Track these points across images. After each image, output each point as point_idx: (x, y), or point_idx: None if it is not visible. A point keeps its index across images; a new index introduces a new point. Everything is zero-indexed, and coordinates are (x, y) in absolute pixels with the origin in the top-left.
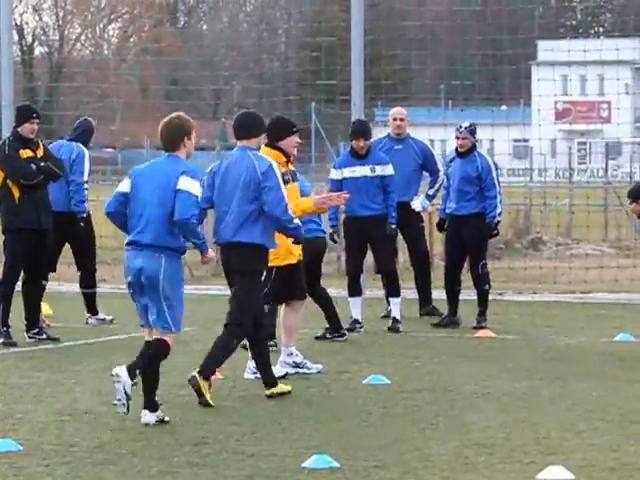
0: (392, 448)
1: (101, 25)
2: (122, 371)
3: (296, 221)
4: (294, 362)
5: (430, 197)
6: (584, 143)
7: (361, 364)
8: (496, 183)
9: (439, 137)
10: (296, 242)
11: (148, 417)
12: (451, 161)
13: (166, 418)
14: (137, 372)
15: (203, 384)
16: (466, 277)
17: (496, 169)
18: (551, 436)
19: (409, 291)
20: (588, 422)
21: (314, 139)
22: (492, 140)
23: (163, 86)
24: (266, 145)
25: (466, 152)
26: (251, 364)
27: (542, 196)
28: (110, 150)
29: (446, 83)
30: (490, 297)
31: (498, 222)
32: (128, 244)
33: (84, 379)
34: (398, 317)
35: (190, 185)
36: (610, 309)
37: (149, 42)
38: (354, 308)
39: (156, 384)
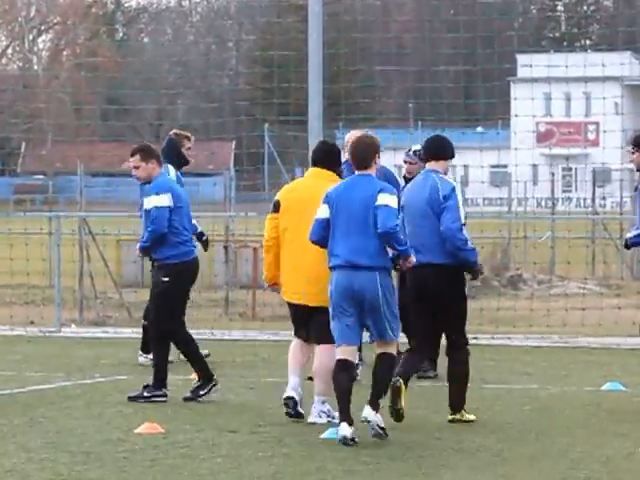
0: None
1: (30, 37)
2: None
3: None
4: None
5: None
6: (569, 169)
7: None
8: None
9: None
10: None
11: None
12: (403, 189)
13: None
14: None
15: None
16: None
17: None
18: None
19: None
20: None
21: (267, 165)
22: (466, 166)
23: (99, 105)
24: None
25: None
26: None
27: (522, 228)
28: (40, 177)
29: (414, 102)
30: None
31: None
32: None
33: (8, 434)
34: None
35: (388, 200)
36: (597, 355)
37: (83, 56)
38: None
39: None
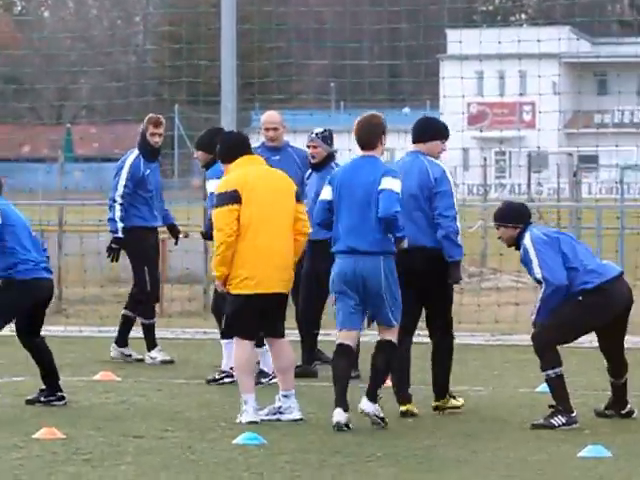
0: None
1: None
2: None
3: None
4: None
5: None
6: (502, 153)
7: (230, 421)
8: None
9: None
10: None
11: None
12: (309, 177)
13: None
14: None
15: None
16: None
17: None
18: None
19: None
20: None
21: (177, 149)
22: (392, 150)
23: None
24: None
25: (320, 163)
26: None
27: None
28: None
29: (335, 81)
30: None
31: None
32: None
33: None
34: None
35: (392, 184)
36: (532, 353)
37: None
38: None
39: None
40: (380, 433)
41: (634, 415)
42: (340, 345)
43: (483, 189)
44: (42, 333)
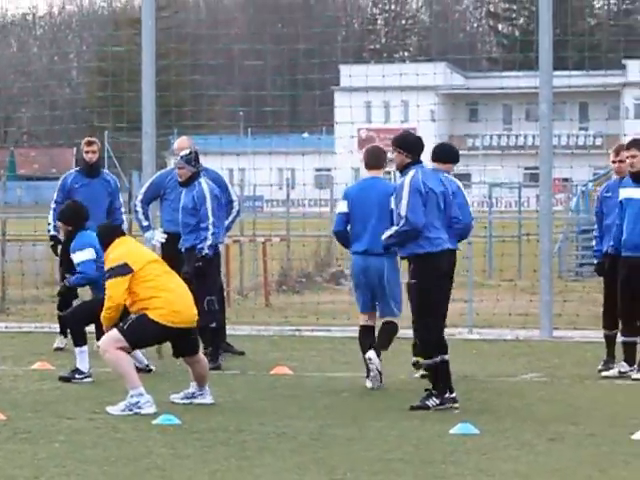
0: None
1: None
2: (372, 355)
3: None
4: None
5: (225, 229)
6: (388, 172)
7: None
8: (209, 214)
9: (239, 166)
10: None
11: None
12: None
13: None
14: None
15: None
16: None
17: (214, 198)
18: (347, 478)
19: None
20: (385, 463)
21: (107, 169)
22: (293, 169)
23: None
24: None
25: (187, 181)
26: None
27: None
28: None
29: (244, 110)
30: (287, 333)
31: (206, 254)
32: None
33: None
34: None
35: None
36: (409, 344)
37: None
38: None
39: None
40: (279, 415)
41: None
42: (364, 327)
43: None
44: None
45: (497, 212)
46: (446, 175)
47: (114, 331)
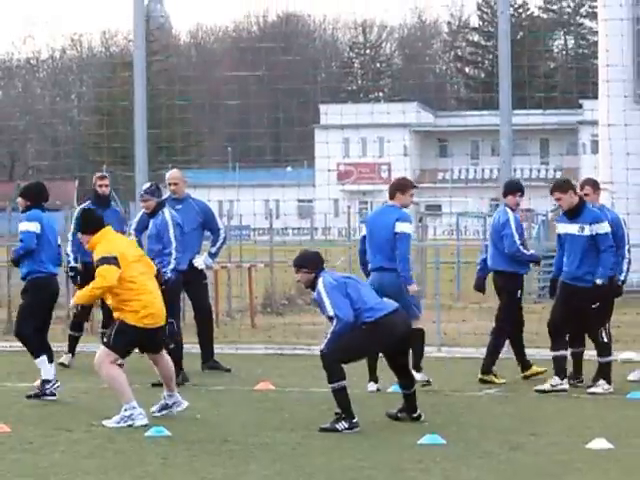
0: None
1: None
2: (416, 375)
3: None
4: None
5: (212, 255)
6: (365, 202)
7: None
8: (172, 240)
9: (227, 198)
10: None
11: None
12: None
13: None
14: None
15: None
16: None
17: (176, 226)
18: None
19: (190, 345)
20: (358, 470)
21: None
22: (277, 200)
23: None
24: None
25: (153, 212)
26: None
27: (324, 254)
28: None
29: (231, 145)
30: (271, 352)
31: (169, 278)
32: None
33: None
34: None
35: (403, 227)
36: (383, 361)
37: None
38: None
39: None
40: (262, 427)
41: (422, 419)
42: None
43: (348, 232)
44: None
45: (464, 239)
46: (506, 209)
47: (102, 348)
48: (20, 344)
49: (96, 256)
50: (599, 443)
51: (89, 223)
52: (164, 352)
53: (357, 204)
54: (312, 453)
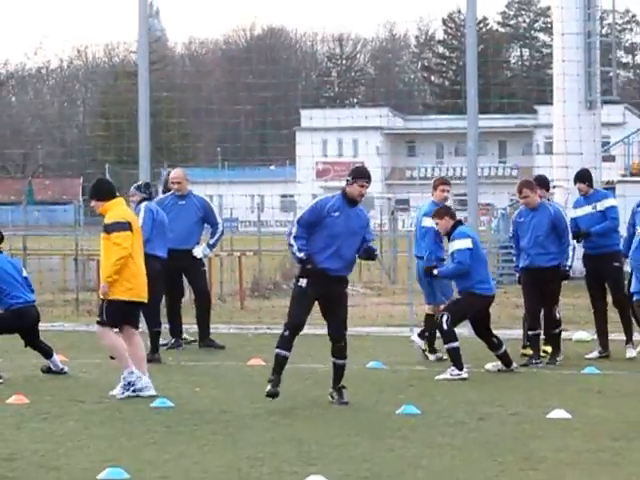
0: (176, 462)
1: None
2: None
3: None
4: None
5: (211, 246)
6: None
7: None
8: (147, 229)
9: (218, 193)
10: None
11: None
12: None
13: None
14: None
15: None
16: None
17: (151, 215)
18: (312, 450)
19: (188, 325)
20: (344, 437)
21: None
22: (262, 196)
23: None
24: None
25: (136, 206)
26: None
27: None
28: None
29: (221, 146)
30: (261, 331)
31: None
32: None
33: None
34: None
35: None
36: (362, 340)
37: None
38: None
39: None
40: (254, 398)
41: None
42: (426, 314)
43: None
44: None
45: None
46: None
47: (99, 326)
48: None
49: (108, 220)
50: (558, 413)
51: (102, 190)
52: (137, 333)
53: None
54: (301, 422)
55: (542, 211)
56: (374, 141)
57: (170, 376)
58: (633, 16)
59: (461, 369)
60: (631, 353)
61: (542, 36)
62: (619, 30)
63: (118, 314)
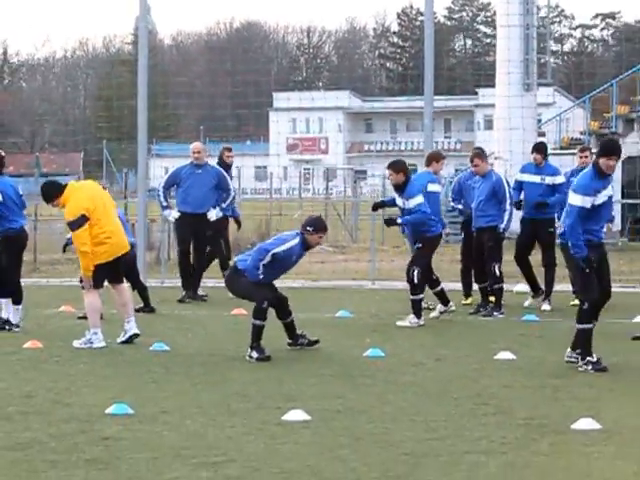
0: (173, 398)
1: None
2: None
3: None
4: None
5: (223, 209)
6: (309, 169)
7: (145, 335)
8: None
9: None
10: None
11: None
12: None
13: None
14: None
15: None
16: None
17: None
18: (292, 388)
19: (177, 279)
20: (319, 377)
21: (105, 168)
22: (239, 167)
23: None
24: None
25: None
26: None
27: (278, 208)
28: None
29: (204, 124)
30: None
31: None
32: None
33: None
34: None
35: (434, 187)
36: (331, 292)
37: None
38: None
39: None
40: (239, 343)
41: None
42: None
43: (298, 191)
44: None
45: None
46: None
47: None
48: (44, 280)
49: (66, 216)
50: (504, 355)
51: (50, 193)
52: (124, 285)
53: (302, 170)
54: (281, 364)
55: (488, 179)
56: (337, 119)
57: (165, 324)
58: (561, 10)
59: (419, 318)
60: (546, 307)
61: (483, 28)
62: (550, 22)
63: (101, 276)
